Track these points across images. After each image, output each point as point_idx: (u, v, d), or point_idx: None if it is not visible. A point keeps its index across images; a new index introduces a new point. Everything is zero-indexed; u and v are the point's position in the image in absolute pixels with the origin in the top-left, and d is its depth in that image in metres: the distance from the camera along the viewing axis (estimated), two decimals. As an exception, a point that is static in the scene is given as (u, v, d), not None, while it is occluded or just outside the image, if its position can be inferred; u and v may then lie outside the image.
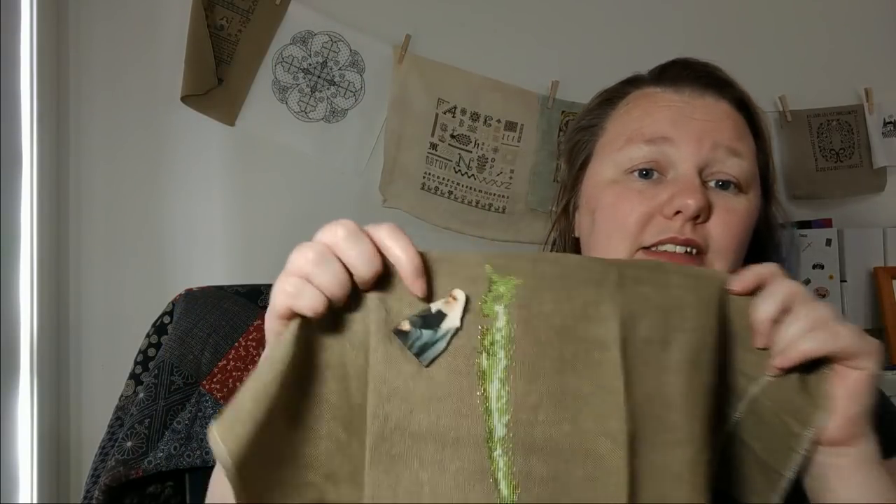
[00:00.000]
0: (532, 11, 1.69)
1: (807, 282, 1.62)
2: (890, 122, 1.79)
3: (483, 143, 1.64)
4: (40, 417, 1.37)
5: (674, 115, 0.70)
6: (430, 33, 1.64)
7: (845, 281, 1.64)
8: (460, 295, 0.49)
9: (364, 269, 0.47)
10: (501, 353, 0.49)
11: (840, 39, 1.82)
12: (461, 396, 0.48)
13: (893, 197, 1.81)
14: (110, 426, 1.05)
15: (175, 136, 1.54)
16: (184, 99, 1.51)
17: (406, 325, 0.48)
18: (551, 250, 0.81)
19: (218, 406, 1.01)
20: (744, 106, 0.74)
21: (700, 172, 0.68)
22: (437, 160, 1.63)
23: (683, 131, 0.69)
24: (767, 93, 1.77)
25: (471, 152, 1.64)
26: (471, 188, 1.64)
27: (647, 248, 0.68)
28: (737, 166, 0.69)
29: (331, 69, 1.61)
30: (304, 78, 1.60)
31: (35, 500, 1.35)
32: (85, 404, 1.48)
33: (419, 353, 0.48)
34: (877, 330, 1.65)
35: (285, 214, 1.58)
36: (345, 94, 1.61)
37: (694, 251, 0.67)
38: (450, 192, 1.63)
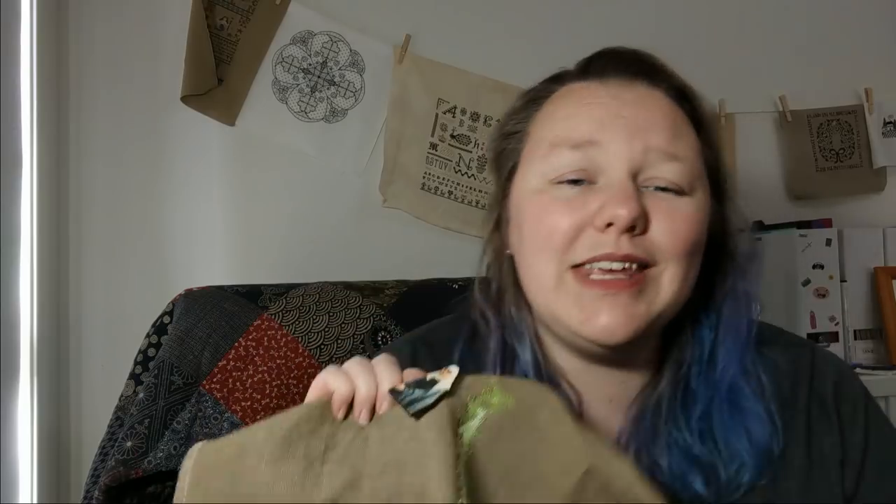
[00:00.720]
0: (532, 11, 1.69)
1: (806, 282, 1.62)
2: (890, 122, 1.79)
3: (483, 143, 1.64)
4: (40, 417, 1.37)
5: (600, 113, 0.63)
6: (430, 33, 1.64)
7: (845, 281, 1.64)
8: (454, 368, 0.53)
9: (387, 383, 0.53)
10: (469, 436, 0.52)
11: (840, 39, 1.82)
12: (441, 462, 0.50)
13: (893, 197, 1.81)
14: (110, 426, 1.05)
15: (175, 136, 1.54)
16: (184, 99, 1.50)
17: (401, 386, 0.52)
18: (486, 273, 0.73)
19: (218, 406, 1.01)
20: (683, 96, 0.66)
21: (634, 177, 0.61)
22: (437, 160, 1.63)
23: (611, 132, 0.62)
24: (767, 93, 1.77)
25: (471, 152, 1.64)
26: (471, 188, 1.64)
27: (579, 266, 0.61)
28: (674, 171, 0.61)
29: (331, 69, 1.61)
30: (304, 78, 1.60)
31: (35, 500, 1.35)
32: (85, 404, 1.47)
33: (407, 405, 0.51)
34: (877, 330, 1.65)
35: (285, 214, 1.58)
36: (345, 94, 1.61)
37: (634, 266, 0.60)
38: (450, 192, 1.63)
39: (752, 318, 0.67)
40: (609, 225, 0.59)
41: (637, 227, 0.59)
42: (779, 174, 1.80)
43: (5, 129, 1.32)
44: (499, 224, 0.71)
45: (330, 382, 0.53)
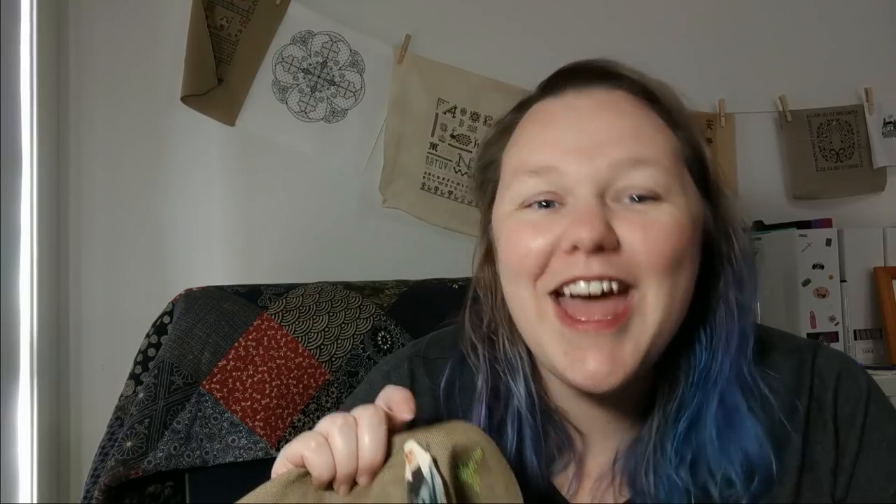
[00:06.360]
0: (533, 11, 1.69)
1: (806, 282, 1.62)
2: (890, 122, 1.79)
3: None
4: (40, 417, 1.37)
5: (557, 133, 0.61)
6: (430, 33, 1.64)
7: (845, 281, 1.64)
8: (409, 445, 0.50)
9: (369, 456, 0.50)
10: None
11: (840, 39, 1.82)
12: None
13: (893, 197, 1.81)
14: (110, 426, 1.05)
15: (175, 136, 1.54)
16: (184, 99, 1.50)
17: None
18: (471, 305, 0.71)
19: (218, 406, 1.02)
20: (649, 95, 0.63)
21: (602, 194, 0.58)
22: (437, 160, 1.63)
23: (571, 151, 0.59)
24: (767, 93, 1.77)
25: (471, 152, 1.64)
26: (471, 188, 1.64)
27: (556, 294, 0.59)
28: (644, 176, 0.58)
29: (331, 69, 1.61)
30: (304, 78, 1.60)
31: (35, 500, 1.35)
32: (85, 404, 1.47)
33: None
34: (877, 330, 1.65)
35: (285, 214, 1.58)
36: (345, 94, 1.61)
37: (614, 286, 0.57)
38: (450, 192, 1.63)
39: (749, 329, 0.64)
40: (576, 248, 0.57)
41: (606, 246, 0.56)
42: (779, 174, 1.80)
43: (5, 129, 1.32)
44: (488, 255, 0.70)
45: (308, 458, 0.50)
